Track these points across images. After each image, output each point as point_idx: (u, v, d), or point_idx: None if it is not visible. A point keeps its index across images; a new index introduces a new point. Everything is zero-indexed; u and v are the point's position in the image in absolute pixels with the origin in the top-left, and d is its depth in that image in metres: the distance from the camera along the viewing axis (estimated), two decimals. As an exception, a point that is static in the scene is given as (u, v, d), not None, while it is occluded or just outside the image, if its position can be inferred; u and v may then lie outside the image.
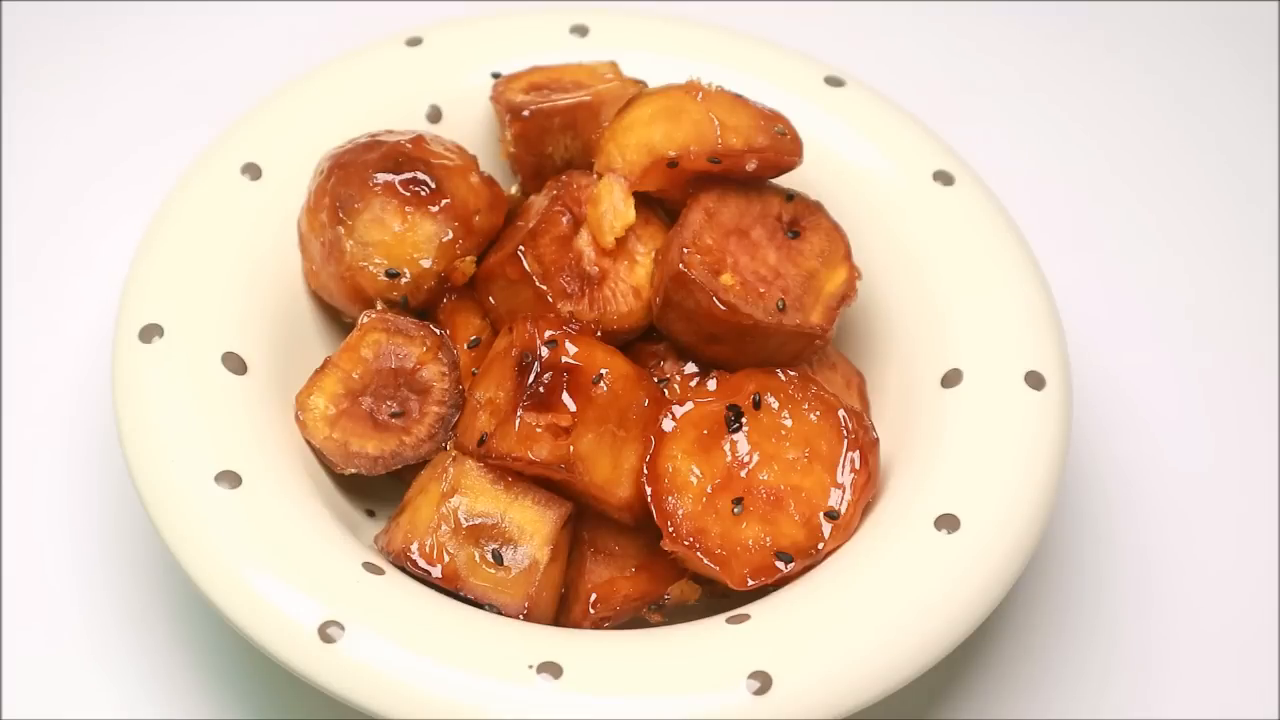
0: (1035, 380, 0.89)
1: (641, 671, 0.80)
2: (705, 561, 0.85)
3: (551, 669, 0.79)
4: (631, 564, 0.88)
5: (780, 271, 0.91)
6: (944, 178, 0.98)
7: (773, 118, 0.93)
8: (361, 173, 0.93)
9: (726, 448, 0.87)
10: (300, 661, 0.79)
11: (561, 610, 0.88)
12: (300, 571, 0.82)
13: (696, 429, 0.87)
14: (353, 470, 0.89)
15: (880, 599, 0.82)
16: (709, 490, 0.86)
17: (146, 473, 0.84)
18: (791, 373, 0.89)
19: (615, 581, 0.88)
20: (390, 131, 0.96)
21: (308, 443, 0.89)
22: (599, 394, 0.85)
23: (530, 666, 0.79)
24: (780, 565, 0.85)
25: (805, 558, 0.85)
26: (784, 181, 0.94)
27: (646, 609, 0.88)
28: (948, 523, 0.84)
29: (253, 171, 0.96)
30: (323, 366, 0.91)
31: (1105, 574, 0.99)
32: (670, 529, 0.85)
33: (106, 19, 1.23)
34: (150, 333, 0.89)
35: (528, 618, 0.84)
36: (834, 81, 1.02)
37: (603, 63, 0.99)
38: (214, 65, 1.20)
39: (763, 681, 0.79)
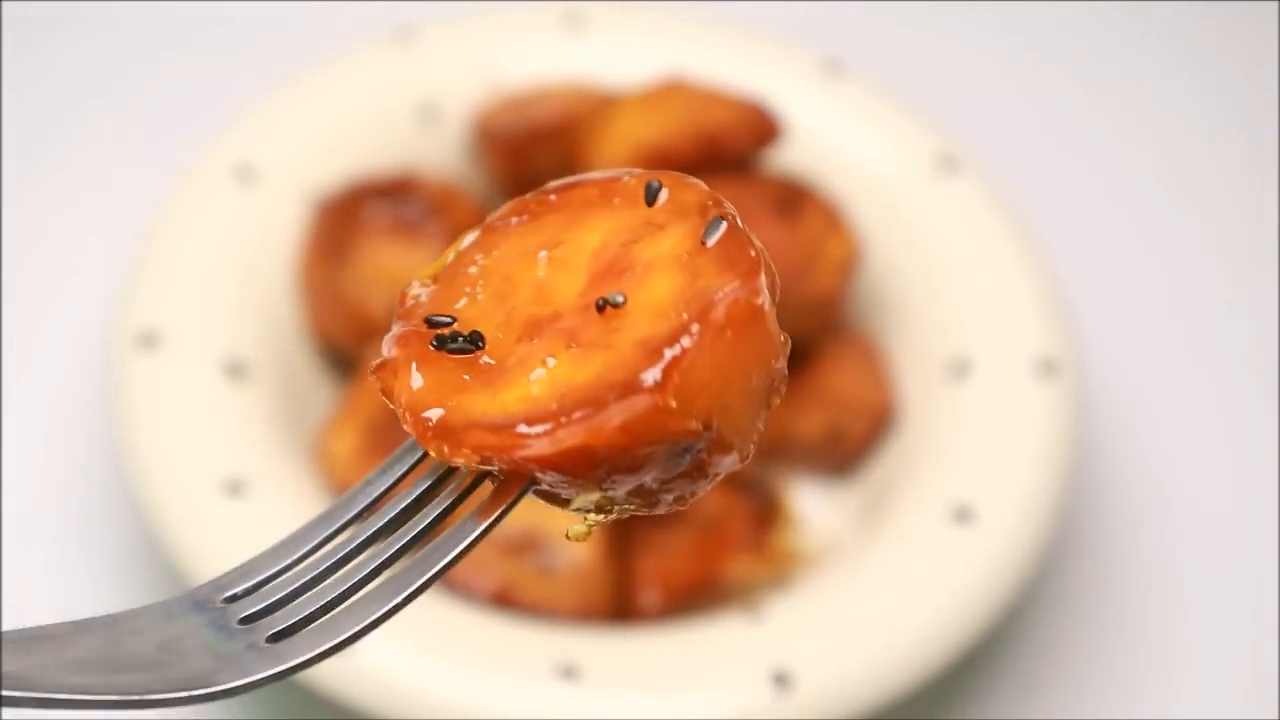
0: (1049, 369, 0.89)
1: (661, 671, 0.80)
2: None
3: (569, 670, 0.79)
4: (678, 547, 0.88)
5: (782, 247, 0.90)
6: (949, 166, 0.97)
7: (752, 100, 0.93)
8: (351, 212, 0.93)
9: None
10: (312, 672, 0.79)
11: (622, 606, 0.87)
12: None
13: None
14: None
15: (901, 595, 0.82)
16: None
17: (146, 483, 0.84)
18: None
19: (672, 567, 0.87)
20: (373, 176, 0.96)
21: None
22: None
23: (548, 668, 0.79)
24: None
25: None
26: (780, 172, 0.93)
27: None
28: (965, 516, 0.84)
29: (250, 171, 0.95)
30: (346, 407, 0.90)
31: (1126, 566, 0.98)
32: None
33: (104, 18, 1.22)
34: (146, 339, 0.88)
35: (584, 620, 0.83)
36: (834, 68, 1.01)
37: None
38: (210, 64, 1.20)
39: (783, 680, 0.78)
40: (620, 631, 0.83)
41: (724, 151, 0.91)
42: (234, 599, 0.46)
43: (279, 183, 0.95)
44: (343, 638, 0.44)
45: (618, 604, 0.87)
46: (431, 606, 0.81)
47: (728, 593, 0.88)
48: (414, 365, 0.44)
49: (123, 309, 0.90)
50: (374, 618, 0.45)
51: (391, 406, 0.44)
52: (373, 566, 0.45)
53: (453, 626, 0.81)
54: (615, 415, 0.41)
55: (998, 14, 1.25)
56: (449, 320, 0.45)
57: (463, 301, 0.46)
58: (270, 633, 0.44)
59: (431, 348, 0.44)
